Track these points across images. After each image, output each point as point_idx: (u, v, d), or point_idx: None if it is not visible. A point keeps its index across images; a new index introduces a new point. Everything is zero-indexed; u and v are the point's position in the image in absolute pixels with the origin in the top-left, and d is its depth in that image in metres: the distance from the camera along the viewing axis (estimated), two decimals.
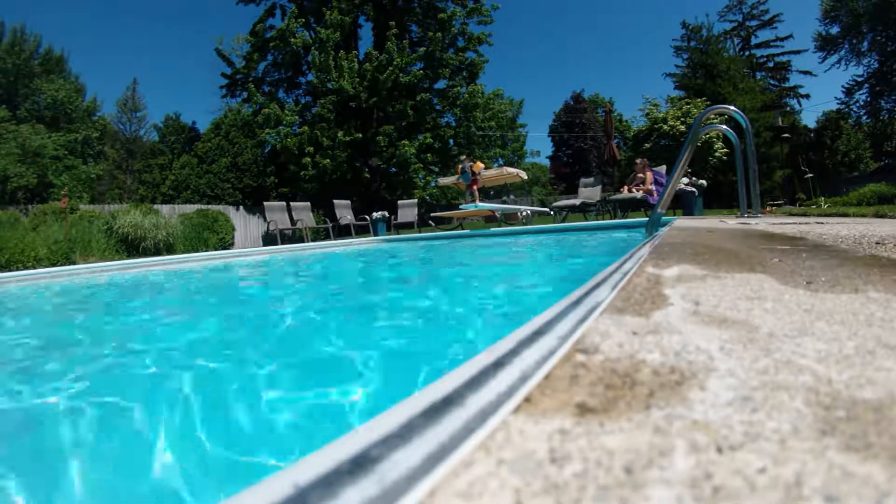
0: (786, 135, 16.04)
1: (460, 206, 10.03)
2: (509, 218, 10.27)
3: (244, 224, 16.80)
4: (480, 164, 5.46)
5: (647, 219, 3.20)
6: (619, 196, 8.24)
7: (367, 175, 17.49)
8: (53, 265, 7.44)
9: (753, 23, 29.09)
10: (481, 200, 10.57)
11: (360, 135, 16.65)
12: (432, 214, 11.01)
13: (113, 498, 0.81)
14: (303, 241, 10.21)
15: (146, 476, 0.82)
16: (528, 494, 0.24)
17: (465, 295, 2.45)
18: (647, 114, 17.73)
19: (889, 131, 24.80)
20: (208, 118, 37.23)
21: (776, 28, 28.80)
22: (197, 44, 64.52)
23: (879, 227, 1.94)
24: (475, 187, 5.40)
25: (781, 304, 0.60)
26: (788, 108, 27.38)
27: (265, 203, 11.12)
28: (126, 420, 1.05)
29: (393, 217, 10.98)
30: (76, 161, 19.22)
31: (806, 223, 2.54)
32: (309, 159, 16.36)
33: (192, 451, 0.90)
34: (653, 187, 7.80)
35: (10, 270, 6.43)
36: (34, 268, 6.99)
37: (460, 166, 5.57)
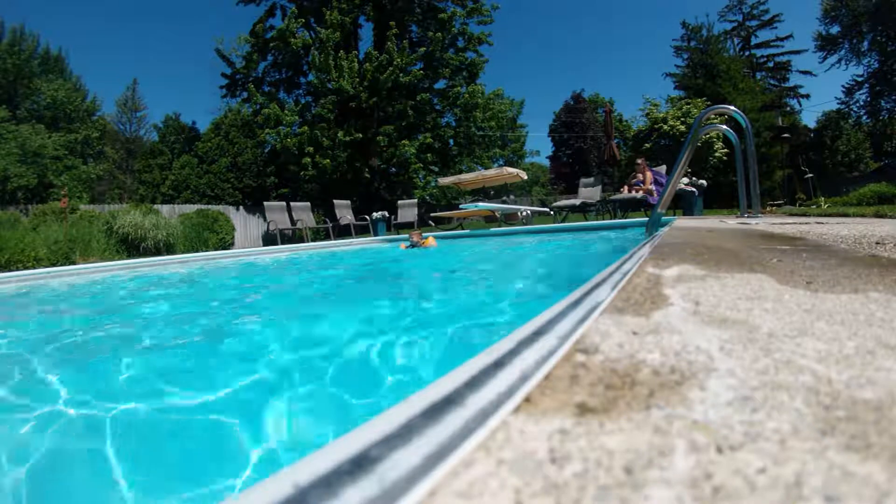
0: (786, 135, 15.98)
1: (460, 206, 10.03)
2: (509, 218, 10.28)
3: (244, 224, 16.79)
4: (432, 240, 5.49)
5: (647, 219, 3.20)
6: (619, 196, 8.24)
7: (367, 175, 17.48)
8: (53, 265, 7.43)
9: (753, 23, 29.05)
10: (481, 201, 10.56)
11: (360, 135, 16.63)
12: (432, 214, 11.01)
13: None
14: (303, 241, 10.20)
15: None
16: (528, 494, 0.24)
17: None
18: (648, 114, 17.69)
19: (889, 131, 24.79)
20: (208, 118, 37.29)
21: (776, 28, 28.78)
22: (197, 44, 64.47)
23: (879, 227, 1.94)
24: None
25: (781, 304, 0.60)
26: (788, 108, 27.32)
27: (265, 203, 11.14)
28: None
29: (393, 217, 10.99)
30: (76, 161, 19.20)
31: (806, 223, 2.54)
32: (309, 159, 16.34)
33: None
34: (653, 187, 7.79)
35: (10, 270, 6.43)
36: (34, 268, 6.98)
37: (404, 244, 5.61)
